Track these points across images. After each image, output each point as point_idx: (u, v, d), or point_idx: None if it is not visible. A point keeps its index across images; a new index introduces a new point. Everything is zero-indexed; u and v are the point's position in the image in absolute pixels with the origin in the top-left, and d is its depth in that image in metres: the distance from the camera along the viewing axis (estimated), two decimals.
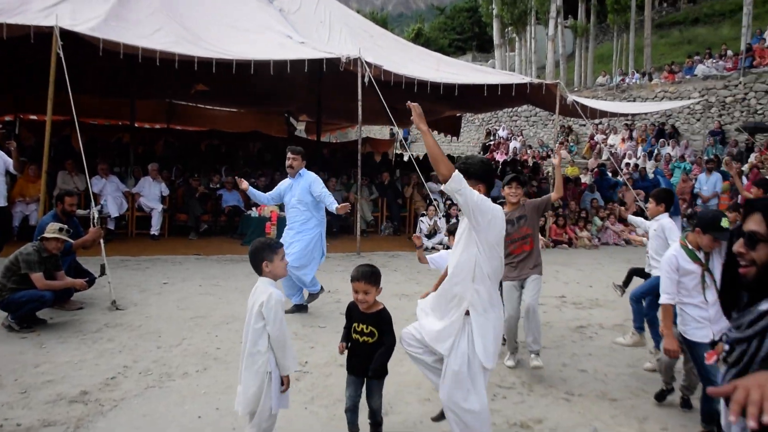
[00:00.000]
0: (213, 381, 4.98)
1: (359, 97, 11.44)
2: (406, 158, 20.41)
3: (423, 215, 13.32)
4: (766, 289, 1.98)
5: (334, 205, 7.01)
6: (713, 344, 2.26)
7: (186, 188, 13.07)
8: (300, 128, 25.35)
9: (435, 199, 13.79)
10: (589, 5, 33.95)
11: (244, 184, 7.01)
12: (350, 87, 11.90)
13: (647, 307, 6.01)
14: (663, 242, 5.66)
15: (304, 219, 7.13)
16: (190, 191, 12.86)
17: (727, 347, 2.11)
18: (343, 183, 14.84)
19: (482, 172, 3.74)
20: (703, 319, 4.12)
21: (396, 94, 13.18)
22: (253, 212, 12.39)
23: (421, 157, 21.41)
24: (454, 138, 22.80)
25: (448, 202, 13.80)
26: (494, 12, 34.88)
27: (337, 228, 13.22)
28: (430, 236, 12.76)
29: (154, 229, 12.00)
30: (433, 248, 12.53)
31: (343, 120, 22.53)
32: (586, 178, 17.83)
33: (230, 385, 4.69)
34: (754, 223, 1.99)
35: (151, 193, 12.11)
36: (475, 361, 3.54)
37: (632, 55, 31.64)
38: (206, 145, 17.84)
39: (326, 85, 14.64)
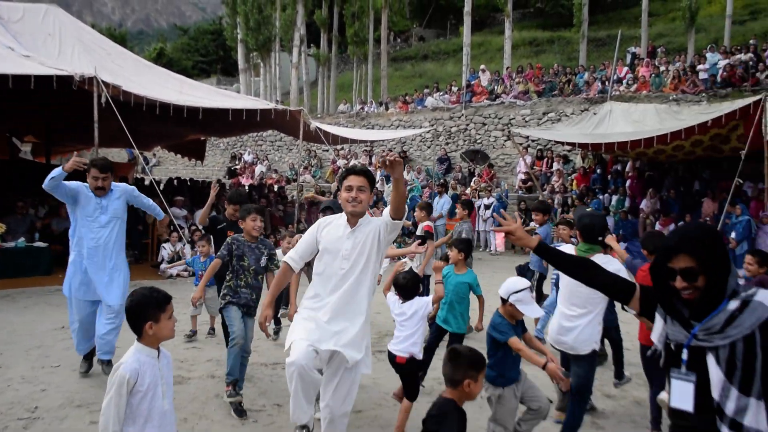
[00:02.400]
0: None
1: (95, 118, 10.77)
2: (147, 182, 19.55)
3: (166, 241, 12.84)
4: (712, 301, 2.33)
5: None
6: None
7: None
8: (25, 149, 23.00)
9: (180, 226, 13.38)
10: (330, 36, 35.55)
11: None
12: (85, 107, 11.14)
13: None
14: None
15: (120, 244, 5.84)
16: None
17: (685, 354, 2.40)
18: None
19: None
20: None
21: (137, 116, 12.63)
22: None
23: (163, 182, 20.71)
24: (199, 162, 22.33)
25: (193, 227, 13.48)
26: (239, 37, 34.99)
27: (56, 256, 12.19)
28: (171, 261, 12.34)
29: None
30: (178, 275, 12.18)
31: (77, 142, 20.93)
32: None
33: None
34: (684, 262, 2.31)
35: None
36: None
37: (371, 85, 33.75)
38: None
39: (57, 104, 13.50)
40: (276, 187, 21.21)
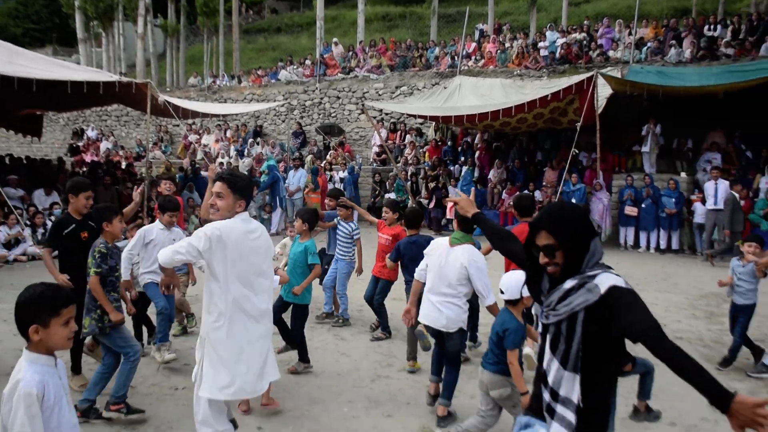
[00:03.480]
0: None
1: None
2: None
3: (2, 224, 11.84)
4: (565, 276, 2.43)
5: None
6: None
7: None
8: None
9: (17, 207, 12.38)
10: (179, 6, 34.02)
11: None
12: None
13: None
14: None
15: None
16: None
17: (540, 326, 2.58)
18: None
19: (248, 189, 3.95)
20: None
21: None
22: None
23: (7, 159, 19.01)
24: (35, 139, 20.67)
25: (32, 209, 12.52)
26: (76, 3, 32.56)
27: None
28: (9, 246, 11.44)
29: None
30: (15, 260, 11.31)
31: None
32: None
33: None
34: (544, 239, 2.44)
35: None
36: None
37: (222, 58, 32.69)
38: None
39: None
40: (124, 164, 20.11)
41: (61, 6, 37.57)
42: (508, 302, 4.18)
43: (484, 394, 4.20)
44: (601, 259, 2.47)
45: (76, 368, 5.41)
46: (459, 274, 4.70)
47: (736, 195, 12.16)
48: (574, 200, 14.21)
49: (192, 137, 23.08)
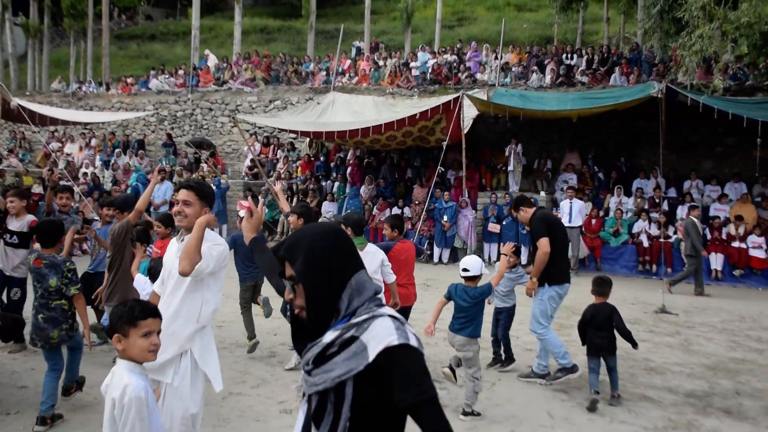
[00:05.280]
0: None
1: None
2: None
3: None
4: (321, 323, 1.86)
5: None
6: None
7: None
8: None
9: None
10: (42, 5, 32.17)
11: None
12: None
13: None
14: None
15: None
16: None
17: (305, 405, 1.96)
18: None
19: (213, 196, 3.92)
20: None
21: None
22: None
23: None
24: None
25: None
26: None
27: None
28: None
29: None
30: None
31: None
32: (40, 189, 16.82)
33: None
34: (288, 270, 1.91)
35: None
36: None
37: (91, 63, 31.16)
38: None
39: None
40: None
41: None
42: (469, 278, 5.34)
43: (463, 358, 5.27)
44: (375, 296, 1.91)
45: None
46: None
47: (695, 220, 11.86)
48: (446, 217, 14.63)
49: (54, 145, 21.79)
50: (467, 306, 5.29)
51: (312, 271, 1.85)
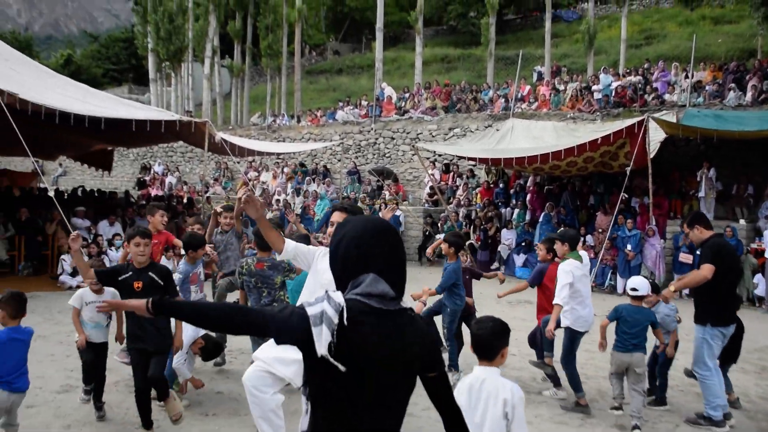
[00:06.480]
0: None
1: None
2: (51, 193, 18.85)
3: (66, 253, 12.46)
4: None
5: None
6: None
7: None
8: None
9: (84, 238, 13.04)
10: (244, 47, 35.28)
11: None
12: None
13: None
14: None
15: None
16: None
17: None
18: None
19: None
20: None
21: (38, 125, 12.30)
22: None
23: (68, 191, 20.02)
24: (107, 172, 21.73)
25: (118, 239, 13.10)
26: (149, 46, 34.23)
27: None
28: (74, 275, 12.03)
29: None
30: (78, 287, 11.83)
31: None
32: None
33: None
34: None
35: None
36: None
37: (284, 97, 33.66)
38: None
39: None
40: (185, 199, 20.85)
41: (137, 48, 39.59)
42: (637, 298, 5.67)
43: (632, 373, 5.52)
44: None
45: (147, 424, 5.04)
46: None
47: None
48: (629, 246, 13.96)
49: (251, 174, 23.75)
50: (642, 327, 5.57)
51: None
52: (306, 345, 2.00)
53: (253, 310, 2.19)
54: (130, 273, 4.88)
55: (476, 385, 3.13)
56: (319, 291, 3.74)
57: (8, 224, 13.47)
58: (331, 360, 1.96)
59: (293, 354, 3.61)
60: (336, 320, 1.97)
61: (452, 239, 6.77)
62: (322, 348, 1.95)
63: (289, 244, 4.18)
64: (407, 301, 5.22)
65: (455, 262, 6.68)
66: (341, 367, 1.97)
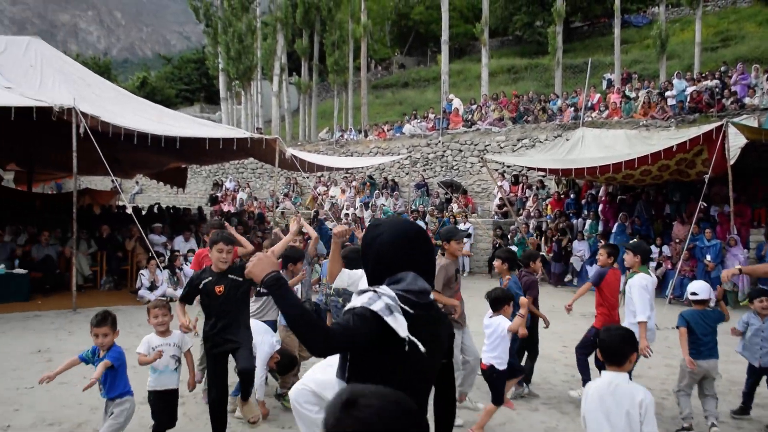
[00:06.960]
0: None
1: (74, 147, 10.92)
2: (129, 210, 19.67)
3: (145, 269, 12.93)
4: None
5: None
6: None
7: None
8: (8, 178, 23.04)
9: (158, 252, 13.53)
10: (311, 64, 35.90)
11: None
12: (65, 136, 11.33)
13: None
14: None
15: None
16: None
17: None
18: (57, 237, 13.89)
19: None
20: None
21: (117, 145, 12.88)
22: None
23: (145, 209, 20.80)
24: (180, 189, 22.47)
25: (177, 253, 13.57)
26: (220, 66, 35.27)
27: (51, 285, 12.60)
28: (152, 289, 12.46)
29: None
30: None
31: (58, 170, 21.04)
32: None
33: None
34: None
35: None
36: None
37: (351, 112, 34.05)
38: None
39: (37, 134, 13.69)
40: (256, 213, 21.32)
41: (208, 69, 40.86)
42: (699, 302, 5.59)
43: (706, 379, 5.51)
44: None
45: None
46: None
47: None
48: (709, 256, 13.48)
49: (320, 189, 24.09)
50: (711, 330, 5.54)
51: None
52: (381, 337, 2.19)
53: (332, 329, 2.23)
54: (210, 278, 4.79)
55: (609, 389, 3.28)
56: None
57: (91, 241, 14.09)
58: (414, 339, 2.18)
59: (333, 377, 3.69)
60: (400, 310, 2.22)
61: (504, 255, 6.57)
62: (404, 331, 2.17)
63: (343, 273, 4.14)
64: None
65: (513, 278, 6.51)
66: (422, 348, 2.19)
